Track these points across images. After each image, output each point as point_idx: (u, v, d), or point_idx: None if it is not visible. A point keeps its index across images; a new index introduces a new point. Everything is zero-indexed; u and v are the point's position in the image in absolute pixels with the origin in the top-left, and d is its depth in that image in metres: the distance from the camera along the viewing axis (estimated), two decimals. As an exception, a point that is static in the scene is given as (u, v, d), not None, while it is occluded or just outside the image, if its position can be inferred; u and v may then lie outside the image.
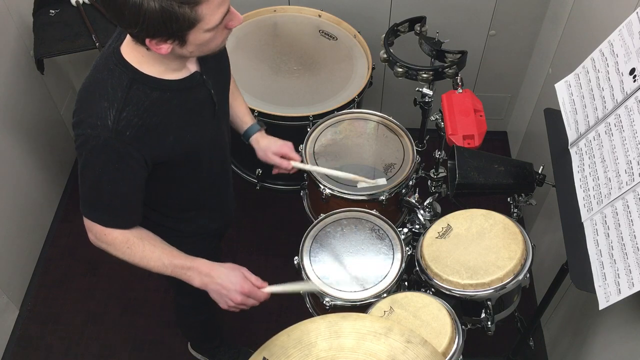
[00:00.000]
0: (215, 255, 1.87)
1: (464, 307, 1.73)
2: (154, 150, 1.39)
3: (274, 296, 1.61)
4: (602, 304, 1.36)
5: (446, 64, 2.11)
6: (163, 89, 1.38)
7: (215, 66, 1.52)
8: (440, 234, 1.79)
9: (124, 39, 1.37)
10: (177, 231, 1.69)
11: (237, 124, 1.82)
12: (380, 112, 2.22)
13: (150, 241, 1.50)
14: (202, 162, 1.56)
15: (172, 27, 1.21)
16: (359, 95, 2.32)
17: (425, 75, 2.10)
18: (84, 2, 2.47)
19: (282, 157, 1.79)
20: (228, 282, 1.51)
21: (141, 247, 1.48)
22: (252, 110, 2.24)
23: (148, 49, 1.29)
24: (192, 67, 1.44)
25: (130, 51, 1.35)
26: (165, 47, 1.26)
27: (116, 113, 1.32)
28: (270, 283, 1.57)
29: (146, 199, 1.51)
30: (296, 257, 1.85)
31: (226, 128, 1.66)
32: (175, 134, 1.42)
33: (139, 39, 1.26)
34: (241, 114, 1.82)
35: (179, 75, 1.40)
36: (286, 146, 1.79)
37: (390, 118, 2.20)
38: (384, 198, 1.99)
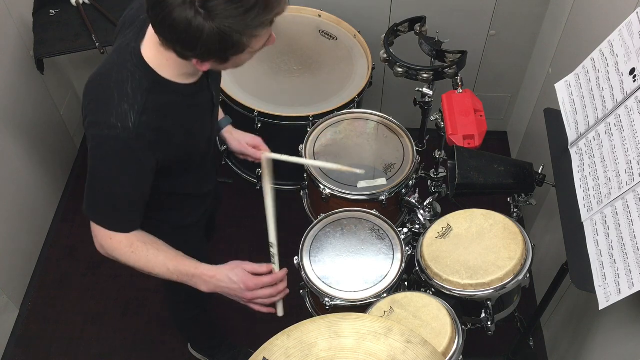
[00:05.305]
0: (201, 247, 1.91)
1: (464, 307, 1.73)
2: (164, 153, 1.40)
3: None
4: (602, 304, 1.36)
5: (446, 64, 2.11)
6: (177, 93, 1.39)
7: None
8: (440, 234, 1.79)
9: (143, 37, 1.36)
10: (165, 222, 1.68)
11: None
12: (380, 112, 2.22)
13: (153, 245, 1.50)
14: (196, 158, 1.58)
15: (226, 54, 1.24)
16: (359, 95, 2.31)
17: (425, 75, 2.10)
18: (84, 2, 2.47)
19: (254, 147, 1.89)
20: (231, 283, 1.50)
21: (145, 252, 1.48)
22: (252, 110, 2.25)
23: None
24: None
25: (152, 53, 1.34)
26: (207, 66, 1.28)
27: (137, 116, 1.31)
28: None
29: None
30: (296, 257, 1.85)
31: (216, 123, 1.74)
32: (183, 135, 1.44)
33: (185, 56, 1.26)
34: None
35: (191, 80, 1.42)
36: (258, 139, 1.90)
37: (390, 118, 2.20)
38: (384, 198, 1.99)
